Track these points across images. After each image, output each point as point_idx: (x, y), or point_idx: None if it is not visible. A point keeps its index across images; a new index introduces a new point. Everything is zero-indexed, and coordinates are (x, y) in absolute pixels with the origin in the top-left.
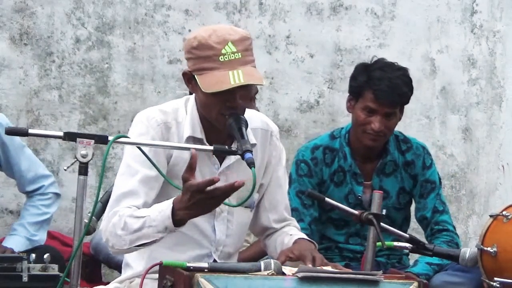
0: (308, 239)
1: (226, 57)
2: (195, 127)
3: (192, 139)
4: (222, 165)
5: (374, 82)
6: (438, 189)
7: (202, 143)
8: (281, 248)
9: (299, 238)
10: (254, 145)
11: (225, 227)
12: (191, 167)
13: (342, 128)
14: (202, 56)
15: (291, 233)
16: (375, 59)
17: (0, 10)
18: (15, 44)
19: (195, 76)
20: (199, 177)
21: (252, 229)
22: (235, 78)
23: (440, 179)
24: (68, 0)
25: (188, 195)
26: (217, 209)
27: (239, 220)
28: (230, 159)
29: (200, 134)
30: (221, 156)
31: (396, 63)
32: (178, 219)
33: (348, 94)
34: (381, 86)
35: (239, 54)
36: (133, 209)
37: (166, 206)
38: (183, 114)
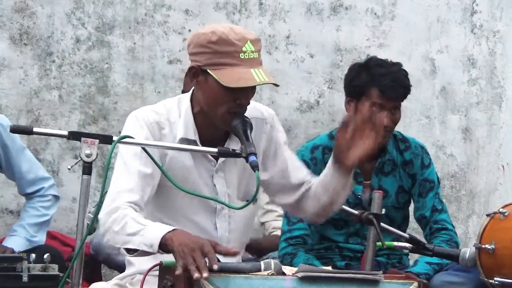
0: None
1: (246, 55)
2: (188, 129)
3: (186, 140)
4: (218, 161)
5: (377, 78)
6: (437, 188)
7: (195, 145)
8: (326, 174)
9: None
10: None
11: (227, 223)
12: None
13: None
14: (221, 51)
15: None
16: (367, 58)
17: (0, 10)
18: (15, 44)
19: (208, 71)
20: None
21: (277, 198)
22: (259, 76)
23: (438, 178)
24: (68, 0)
25: (196, 238)
26: (218, 206)
27: (241, 215)
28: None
29: (193, 135)
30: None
31: (388, 59)
32: (163, 242)
33: (346, 97)
34: (386, 82)
35: (257, 54)
36: (138, 214)
37: (165, 227)
38: (175, 114)
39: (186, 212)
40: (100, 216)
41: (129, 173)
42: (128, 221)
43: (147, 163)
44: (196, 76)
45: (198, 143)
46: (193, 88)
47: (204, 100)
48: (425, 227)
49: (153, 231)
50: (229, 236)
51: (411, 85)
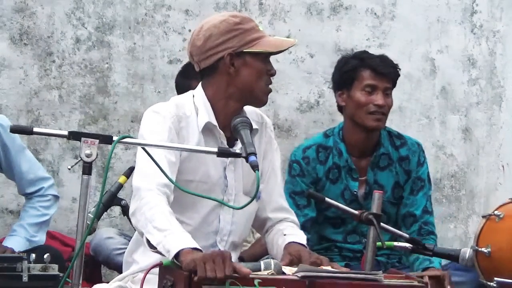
0: (297, 241)
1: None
2: (210, 115)
3: (211, 124)
4: None
5: (367, 61)
6: (428, 188)
7: (216, 130)
8: (277, 249)
9: (288, 243)
10: (256, 130)
11: (230, 216)
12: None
13: (335, 127)
14: (248, 28)
15: (285, 232)
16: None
17: (0, 10)
18: (15, 44)
19: (244, 51)
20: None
21: (252, 223)
22: (284, 39)
23: (430, 179)
24: (68, 0)
25: (211, 253)
26: (225, 198)
27: (244, 210)
28: (238, 147)
29: (214, 121)
30: (230, 145)
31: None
32: (180, 252)
33: (336, 92)
34: (376, 61)
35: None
36: (169, 210)
37: (188, 240)
38: (190, 108)
39: (192, 202)
40: (136, 193)
41: (157, 159)
42: (159, 213)
43: (170, 152)
44: (233, 62)
45: (219, 129)
46: (200, 83)
47: (244, 82)
48: (412, 225)
49: (176, 239)
50: (231, 229)
51: (399, 69)
